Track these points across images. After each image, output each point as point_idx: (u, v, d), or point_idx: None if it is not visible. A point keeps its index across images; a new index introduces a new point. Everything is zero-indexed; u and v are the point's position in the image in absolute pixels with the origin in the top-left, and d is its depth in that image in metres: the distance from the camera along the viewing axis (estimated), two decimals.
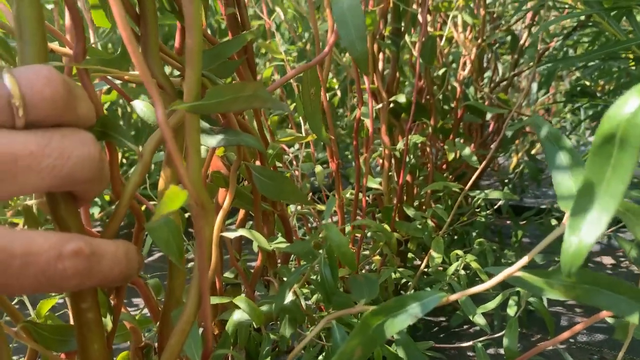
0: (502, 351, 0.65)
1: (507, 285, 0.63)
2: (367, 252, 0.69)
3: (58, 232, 0.22)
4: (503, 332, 0.51)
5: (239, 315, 0.45)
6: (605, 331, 0.69)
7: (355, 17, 0.33)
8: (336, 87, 1.05)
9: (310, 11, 0.50)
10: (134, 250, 0.24)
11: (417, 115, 0.73)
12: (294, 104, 0.92)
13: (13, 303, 0.39)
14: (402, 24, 0.72)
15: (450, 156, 0.77)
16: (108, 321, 0.30)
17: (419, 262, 0.77)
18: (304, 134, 0.64)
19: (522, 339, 0.69)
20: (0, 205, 0.49)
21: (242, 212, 0.53)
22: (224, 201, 0.41)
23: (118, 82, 0.39)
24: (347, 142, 1.19)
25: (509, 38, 1.02)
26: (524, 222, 1.01)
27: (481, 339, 0.61)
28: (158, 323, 0.34)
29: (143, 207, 0.52)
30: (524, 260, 0.24)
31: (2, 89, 0.19)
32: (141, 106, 0.35)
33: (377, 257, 0.67)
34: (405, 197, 0.80)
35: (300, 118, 0.74)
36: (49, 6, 0.52)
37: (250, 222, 0.64)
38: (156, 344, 0.35)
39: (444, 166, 0.92)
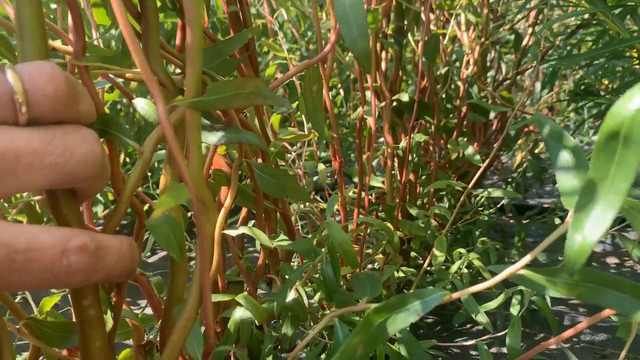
0: (504, 350, 0.65)
1: (510, 284, 0.63)
2: (369, 251, 0.68)
3: (62, 227, 0.22)
4: (506, 330, 0.51)
5: (241, 313, 0.45)
6: (608, 330, 0.68)
7: (357, 15, 0.33)
8: (339, 85, 1.04)
9: (313, 10, 0.50)
10: (136, 246, 0.24)
11: (420, 113, 0.73)
12: (297, 103, 0.92)
13: (16, 300, 0.39)
14: (405, 23, 0.71)
15: (453, 155, 0.77)
16: (109, 318, 0.30)
17: (421, 261, 0.77)
18: (306, 132, 0.64)
19: (525, 338, 0.69)
20: (2, 203, 0.49)
21: (244, 210, 0.53)
22: (226, 199, 0.41)
23: (120, 80, 0.39)
24: (349, 141, 1.19)
25: (512, 37, 1.02)
26: (527, 221, 1.01)
27: (484, 337, 0.61)
28: (160, 320, 0.34)
29: (146, 207, 0.52)
30: (527, 258, 0.24)
31: (5, 85, 0.19)
32: (142, 104, 0.34)
33: (380, 256, 0.67)
34: (408, 196, 0.80)
35: (303, 116, 0.74)
36: (53, 5, 0.52)
37: (253, 220, 0.64)
38: (158, 341, 0.35)
39: (447, 165, 0.91)
